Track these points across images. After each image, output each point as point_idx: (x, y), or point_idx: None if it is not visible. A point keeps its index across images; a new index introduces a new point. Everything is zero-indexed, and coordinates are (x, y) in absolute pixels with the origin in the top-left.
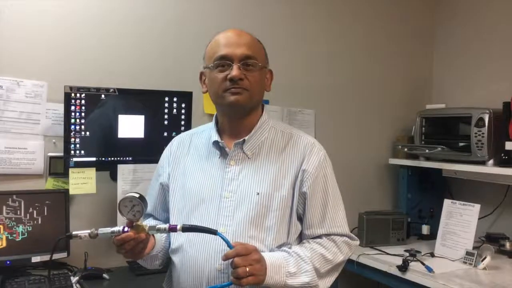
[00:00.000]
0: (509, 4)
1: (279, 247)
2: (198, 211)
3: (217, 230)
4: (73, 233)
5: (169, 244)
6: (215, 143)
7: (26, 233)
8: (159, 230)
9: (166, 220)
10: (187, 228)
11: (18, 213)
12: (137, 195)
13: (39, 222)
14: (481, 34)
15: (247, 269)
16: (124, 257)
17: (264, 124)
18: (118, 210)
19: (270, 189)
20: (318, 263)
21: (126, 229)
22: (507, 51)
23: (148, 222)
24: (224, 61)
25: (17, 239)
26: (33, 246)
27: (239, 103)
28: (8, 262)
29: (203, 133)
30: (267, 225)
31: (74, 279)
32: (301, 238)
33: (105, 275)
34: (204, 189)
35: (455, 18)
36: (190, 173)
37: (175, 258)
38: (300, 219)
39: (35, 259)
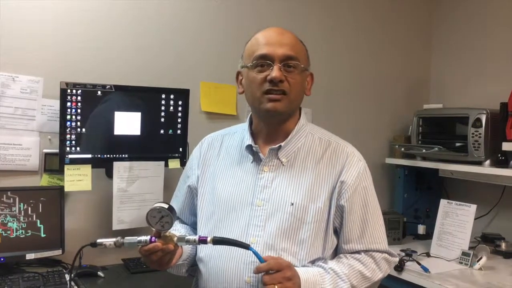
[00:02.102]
0: (506, 5)
1: (313, 262)
2: (227, 219)
3: (249, 245)
4: (98, 241)
5: (196, 251)
6: (249, 147)
7: (20, 230)
8: (188, 242)
9: (194, 224)
10: (217, 241)
11: (13, 209)
12: (165, 206)
13: (34, 219)
14: (479, 34)
15: (276, 287)
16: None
17: (301, 130)
18: (146, 220)
19: (305, 200)
20: (356, 281)
21: (153, 239)
22: (505, 52)
23: (176, 228)
24: (264, 61)
25: (11, 236)
26: (28, 243)
27: (277, 110)
28: (2, 259)
29: (235, 134)
30: (300, 238)
31: (68, 277)
32: (336, 252)
33: (100, 273)
34: (235, 195)
35: (453, 18)
36: (221, 178)
37: (202, 267)
38: (336, 232)
39: (30, 256)
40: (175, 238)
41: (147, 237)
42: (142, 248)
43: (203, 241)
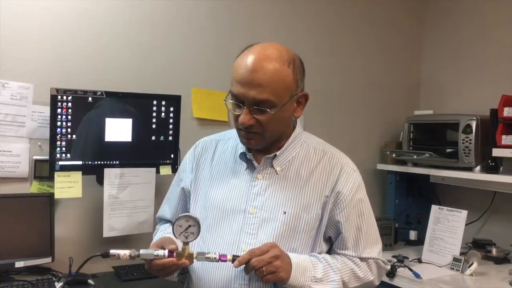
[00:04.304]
0: (497, 11)
1: None
2: (220, 225)
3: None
4: (111, 251)
5: None
6: (243, 155)
7: (9, 238)
8: (208, 259)
9: None
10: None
11: (2, 217)
12: (193, 216)
13: (23, 226)
14: (470, 41)
15: (264, 269)
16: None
17: (296, 138)
18: (171, 230)
19: (298, 209)
20: (347, 277)
21: (171, 253)
22: (495, 58)
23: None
24: (236, 102)
25: (0, 244)
26: (17, 251)
27: (252, 145)
28: None
29: (230, 140)
30: (291, 247)
31: (58, 285)
32: None
33: (90, 281)
34: (228, 202)
35: (444, 25)
36: (214, 183)
37: (193, 274)
38: (327, 240)
39: (19, 264)
40: (195, 254)
41: (165, 251)
42: (156, 262)
43: (224, 260)
